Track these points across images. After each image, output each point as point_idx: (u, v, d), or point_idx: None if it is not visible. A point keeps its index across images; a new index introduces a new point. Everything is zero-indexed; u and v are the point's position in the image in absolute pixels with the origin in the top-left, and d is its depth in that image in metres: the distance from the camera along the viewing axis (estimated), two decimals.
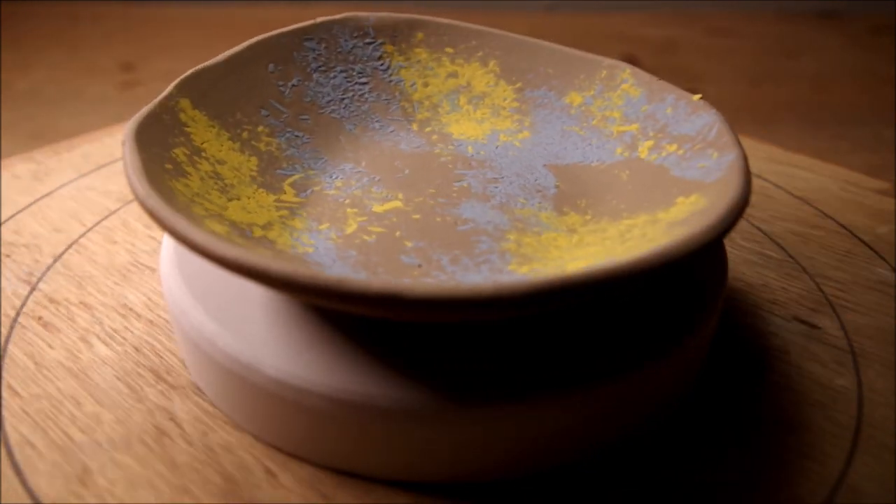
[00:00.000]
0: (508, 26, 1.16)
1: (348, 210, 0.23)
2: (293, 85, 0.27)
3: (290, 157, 0.25)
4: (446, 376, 0.18)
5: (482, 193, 0.24)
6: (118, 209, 0.29)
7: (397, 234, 0.22)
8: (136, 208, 0.30)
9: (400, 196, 0.23)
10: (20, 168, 0.32)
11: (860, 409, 0.21)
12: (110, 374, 0.21)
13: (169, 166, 0.20)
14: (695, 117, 0.24)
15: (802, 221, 0.30)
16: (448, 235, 0.22)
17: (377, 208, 0.23)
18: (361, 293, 0.15)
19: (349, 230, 0.22)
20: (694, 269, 0.22)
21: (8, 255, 0.26)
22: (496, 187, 0.24)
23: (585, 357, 0.19)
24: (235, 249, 0.16)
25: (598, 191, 0.24)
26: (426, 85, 0.29)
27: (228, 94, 0.24)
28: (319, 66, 0.27)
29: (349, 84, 0.28)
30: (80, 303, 0.24)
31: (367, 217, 0.22)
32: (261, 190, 0.23)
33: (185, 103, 0.23)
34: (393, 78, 0.28)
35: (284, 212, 0.22)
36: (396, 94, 0.28)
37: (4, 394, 0.21)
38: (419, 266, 0.20)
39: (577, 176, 0.25)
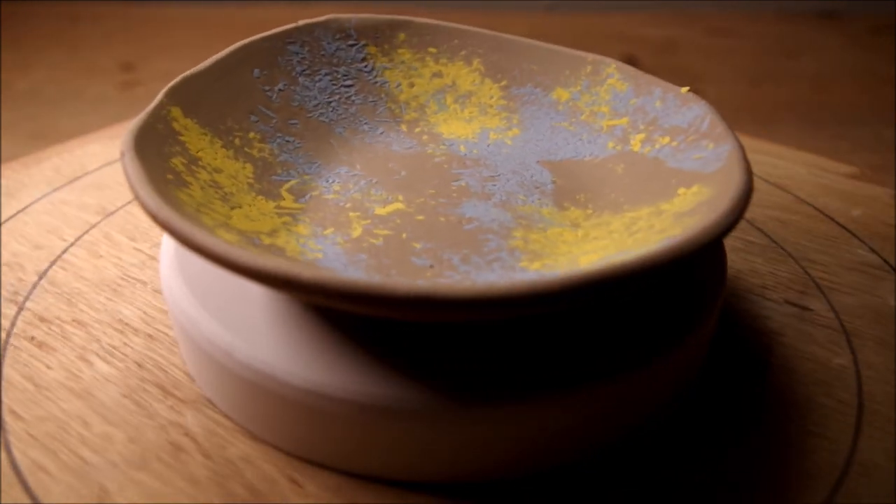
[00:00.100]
0: (508, 26, 1.16)
1: (350, 214, 0.22)
2: (280, 89, 0.26)
3: (284, 162, 0.24)
4: (446, 376, 0.18)
5: (482, 192, 0.24)
6: (98, 222, 0.29)
7: (404, 235, 0.22)
8: (117, 221, 0.29)
9: (400, 198, 0.23)
10: None
11: (860, 387, 0.22)
12: (115, 392, 0.21)
13: (170, 176, 0.20)
14: (685, 109, 0.24)
15: (781, 207, 0.31)
16: (455, 235, 0.22)
17: (379, 211, 0.23)
18: (403, 297, 0.15)
19: (355, 234, 0.22)
20: (694, 267, 0.22)
21: None
22: (494, 185, 0.24)
23: (585, 357, 0.19)
24: (269, 259, 0.15)
25: (594, 185, 0.24)
26: (412, 85, 0.29)
27: (217, 100, 0.24)
28: (304, 70, 0.27)
29: (335, 87, 0.28)
30: (73, 320, 0.23)
31: (370, 220, 0.22)
32: (260, 197, 0.22)
33: (176, 112, 0.22)
34: (378, 79, 0.28)
35: (287, 218, 0.22)
36: (382, 95, 0.28)
37: (7, 418, 0.20)
38: (431, 267, 0.20)
39: (571, 171, 0.25)
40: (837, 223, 0.30)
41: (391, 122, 0.27)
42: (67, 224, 0.29)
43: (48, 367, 0.22)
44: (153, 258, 0.27)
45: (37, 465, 0.19)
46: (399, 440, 0.18)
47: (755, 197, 0.32)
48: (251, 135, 0.24)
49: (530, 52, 0.28)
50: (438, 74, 0.29)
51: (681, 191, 0.21)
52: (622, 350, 0.19)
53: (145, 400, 0.21)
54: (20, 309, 0.24)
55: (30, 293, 0.25)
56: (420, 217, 0.22)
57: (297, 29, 0.28)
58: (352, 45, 0.29)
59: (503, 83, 0.28)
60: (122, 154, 0.19)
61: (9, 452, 0.19)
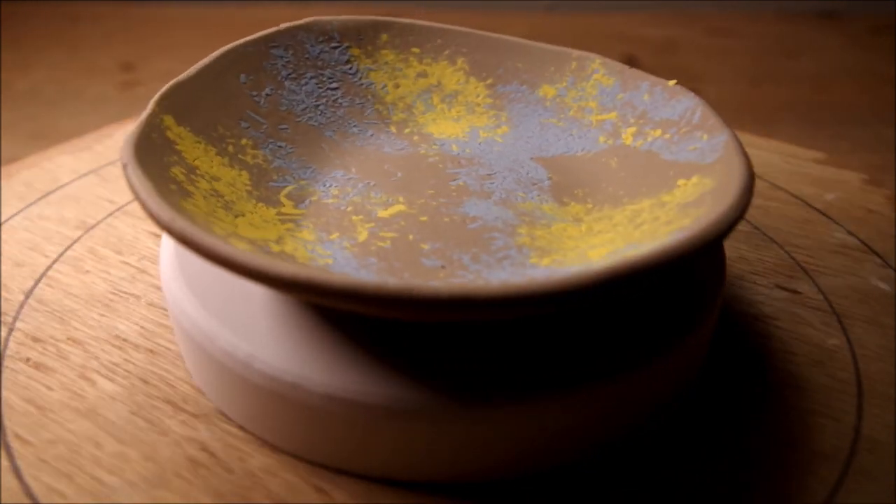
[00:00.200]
0: (508, 26, 1.16)
1: (353, 218, 0.22)
2: (267, 94, 0.26)
3: (279, 168, 0.24)
4: (447, 376, 0.18)
5: (481, 190, 0.24)
6: (80, 237, 0.28)
7: (410, 237, 0.21)
8: (100, 234, 0.28)
9: (401, 199, 0.23)
10: None
11: (856, 365, 0.23)
12: (124, 410, 0.20)
13: (173, 187, 0.19)
14: (674, 102, 0.24)
15: (759, 194, 0.32)
16: (461, 235, 0.22)
17: (382, 213, 0.23)
18: (434, 299, 0.15)
19: (361, 238, 0.21)
20: (694, 267, 0.22)
21: None
22: (492, 183, 0.24)
23: (585, 357, 0.19)
24: (301, 268, 0.15)
25: (590, 179, 0.24)
26: (397, 86, 0.28)
27: (207, 108, 0.24)
28: (290, 74, 0.27)
29: (321, 90, 0.27)
30: (69, 339, 0.23)
31: (374, 223, 0.22)
32: (260, 204, 0.22)
33: (169, 120, 0.22)
34: (363, 81, 0.28)
35: (289, 224, 0.22)
36: (369, 97, 0.28)
37: (13, 443, 0.19)
38: (443, 267, 0.20)
39: (566, 167, 0.25)
40: (814, 208, 0.31)
41: (380, 124, 0.27)
42: (48, 240, 0.28)
43: (49, 388, 0.21)
44: (143, 271, 0.26)
45: (52, 490, 0.18)
46: (399, 440, 0.18)
47: None
48: (243, 141, 0.24)
49: (514, 50, 0.29)
50: (423, 74, 0.29)
51: (680, 182, 0.22)
52: (622, 350, 0.19)
53: (156, 416, 0.20)
54: (10, 330, 0.23)
55: (18, 313, 0.24)
56: (423, 218, 0.22)
57: (280, 32, 0.27)
58: (335, 48, 0.28)
59: (489, 81, 0.28)
60: (125, 166, 0.19)
61: (20, 479, 0.18)
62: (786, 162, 0.35)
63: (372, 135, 0.27)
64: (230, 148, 0.23)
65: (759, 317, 0.25)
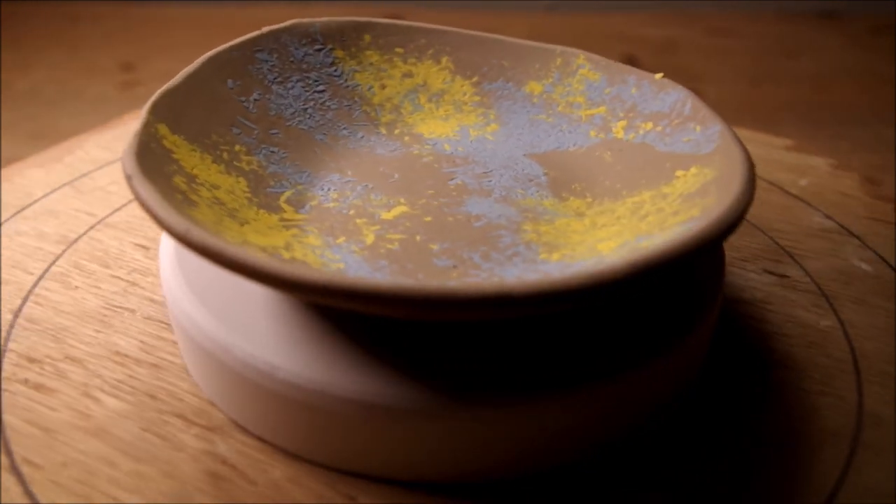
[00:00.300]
0: (508, 26, 1.15)
1: (357, 221, 0.22)
2: (255, 99, 0.25)
3: (275, 174, 0.24)
4: (447, 376, 0.18)
5: (480, 189, 0.24)
6: (63, 252, 0.27)
7: (418, 238, 0.21)
8: (83, 248, 0.27)
9: (402, 200, 0.23)
10: None
11: (851, 345, 0.23)
12: (134, 428, 0.20)
13: (178, 196, 0.19)
14: (663, 95, 0.25)
15: None
16: (467, 233, 0.22)
17: (385, 215, 0.22)
18: (477, 298, 0.15)
19: (369, 241, 0.21)
20: (693, 266, 0.22)
21: None
22: (490, 181, 0.24)
23: (585, 357, 0.19)
24: (334, 275, 0.15)
25: (586, 174, 0.25)
26: (383, 87, 0.28)
27: (198, 115, 0.23)
28: (276, 78, 0.27)
29: (308, 93, 0.27)
30: (66, 357, 0.22)
31: (379, 226, 0.22)
32: (262, 211, 0.22)
33: (163, 129, 0.21)
34: (349, 83, 0.28)
35: (294, 230, 0.21)
36: (356, 98, 0.28)
37: (23, 468, 0.19)
38: (455, 267, 0.20)
39: (560, 162, 0.26)
40: (790, 193, 0.32)
41: (369, 126, 0.27)
42: (29, 256, 0.27)
43: (52, 409, 0.20)
44: (134, 284, 0.25)
45: None
46: (399, 440, 0.18)
47: None
48: (237, 147, 0.23)
49: (498, 48, 0.29)
50: (409, 74, 0.29)
51: (679, 173, 0.22)
52: (622, 350, 0.19)
53: (168, 432, 0.20)
54: (3, 351, 0.22)
55: (9, 333, 0.23)
56: (428, 218, 0.22)
57: (263, 36, 0.27)
58: (319, 50, 0.28)
59: (474, 80, 0.29)
60: (129, 177, 0.18)
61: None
62: (759, 149, 0.36)
63: (363, 137, 0.27)
64: (225, 155, 0.23)
65: (751, 301, 0.25)
